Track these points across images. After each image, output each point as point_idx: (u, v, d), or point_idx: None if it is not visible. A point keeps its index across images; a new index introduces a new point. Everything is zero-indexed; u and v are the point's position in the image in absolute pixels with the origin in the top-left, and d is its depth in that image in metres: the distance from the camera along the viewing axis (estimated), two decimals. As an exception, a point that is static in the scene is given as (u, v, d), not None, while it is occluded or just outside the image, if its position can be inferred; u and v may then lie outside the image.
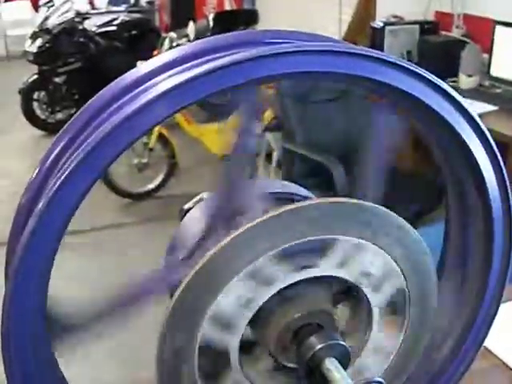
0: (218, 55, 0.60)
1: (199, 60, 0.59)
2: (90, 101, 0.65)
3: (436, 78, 0.59)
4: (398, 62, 0.58)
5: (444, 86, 0.60)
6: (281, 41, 0.62)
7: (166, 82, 0.58)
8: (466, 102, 0.60)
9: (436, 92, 0.59)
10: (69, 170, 0.54)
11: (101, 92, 0.65)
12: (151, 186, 4.29)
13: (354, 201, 0.60)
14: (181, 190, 4.23)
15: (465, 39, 3.59)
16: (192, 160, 4.70)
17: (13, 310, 0.55)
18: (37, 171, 0.64)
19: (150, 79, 0.62)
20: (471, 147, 0.63)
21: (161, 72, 0.61)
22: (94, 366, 2.58)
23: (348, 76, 0.57)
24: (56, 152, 0.63)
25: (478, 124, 0.62)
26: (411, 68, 0.58)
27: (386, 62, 0.57)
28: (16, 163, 5.06)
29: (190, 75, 0.55)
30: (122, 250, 3.61)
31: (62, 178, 0.54)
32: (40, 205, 0.55)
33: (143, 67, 0.64)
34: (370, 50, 0.57)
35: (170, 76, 0.59)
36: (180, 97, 0.55)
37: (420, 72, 0.58)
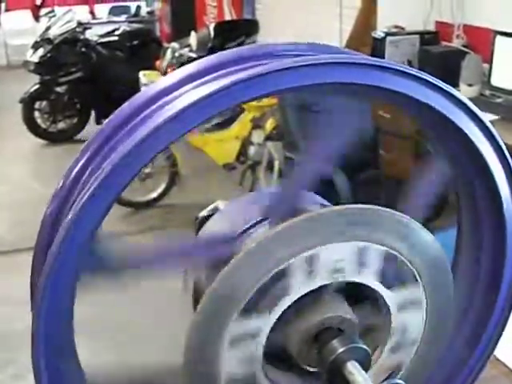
0: (239, 67, 0.62)
1: (226, 70, 0.61)
2: (110, 117, 0.67)
3: (455, 90, 0.61)
4: (420, 75, 0.59)
5: (459, 94, 0.61)
6: (299, 53, 0.64)
7: (190, 94, 0.60)
8: (482, 113, 0.62)
9: (453, 103, 0.61)
10: (92, 189, 0.56)
11: (120, 108, 0.67)
12: (153, 195, 4.31)
13: (359, 206, 0.62)
14: (183, 200, 4.24)
15: (465, 49, 3.62)
16: (194, 169, 4.72)
17: (42, 318, 0.57)
18: (60, 185, 0.66)
19: (171, 93, 0.64)
20: (484, 154, 0.64)
21: (182, 85, 0.63)
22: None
23: (371, 87, 0.59)
24: (77, 168, 0.65)
25: (492, 133, 0.64)
26: (434, 82, 0.60)
27: (406, 74, 0.59)
28: (17, 171, 5.08)
29: (216, 87, 0.57)
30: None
31: (88, 193, 0.56)
32: (67, 219, 0.57)
33: (163, 81, 0.66)
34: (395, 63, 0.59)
35: (196, 86, 0.61)
36: (208, 106, 0.57)
37: (440, 85, 0.60)
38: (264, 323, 0.59)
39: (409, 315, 0.65)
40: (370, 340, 0.66)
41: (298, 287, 0.60)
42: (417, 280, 0.64)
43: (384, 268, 0.62)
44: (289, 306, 0.60)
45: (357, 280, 0.62)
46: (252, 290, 0.58)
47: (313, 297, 0.61)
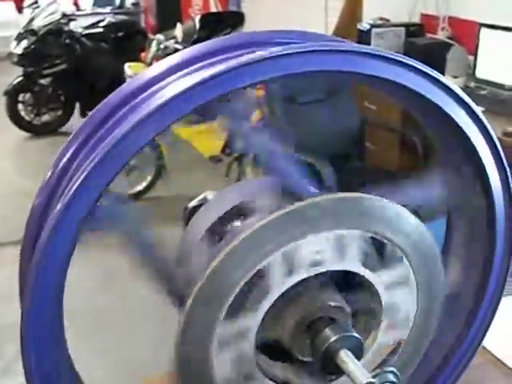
0: (226, 56, 0.62)
1: (211, 60, 0.61)
2: (97, 107, 0.66)
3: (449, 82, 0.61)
4: (413, 64, 0.59)
5: (453, 86, 0.62)
6: (289, 41, 0.64)
7: (178, 83, 0.59)
8: (474, 104, 0.62)
9: (445, 92, 0.61)
10: (80, 179, 0.56)
11: (107, 98, 0.66)
12: (139, 188, 4.29)
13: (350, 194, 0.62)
14: (169, 192, 4.23)
15: (450, 41, 3.64)
16: (180, 162, 4.70)
17: (32, 310, 0.56)
18: (48, 176, 0.65)
19: (159, 82, 0.63)
20: (474, 143, 0.64)
21: (170, 74, 0.63)
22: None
23: (365, 75, 0.59)
24: (65, 159, 0.65)
25: (481, 120, 0.64)
26: (431, 73, 0.60)
27: (401, 63, 0.59)
28: (2, 165, 5.03)
29: (203, 76, 0.56)
30: (109, 253, 3.60)
31: (77, 184, 0.56)
32: (56, 210, 0.56)
33: (150, 71, 0.65)
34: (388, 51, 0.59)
35: (185, 75, 0.60)
36: (195, 96, 0.56)
37: (434, 75, 0.60)
38: (251, 321, 0.59)
39: (399, 294, 0.65)
40: (363, 324, 0.66)
41: (281, 281, 0.60)
42: (404, 261, 0.63)
43: (368, 252, 0.62)
44: (277, 299, 0.60)
45: (340, 267, 0.62)
46: (236, 287, 0.58)
47: (303, 287, 0.61)
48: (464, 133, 0.64)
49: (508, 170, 0.67)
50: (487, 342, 1.09)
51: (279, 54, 0.57)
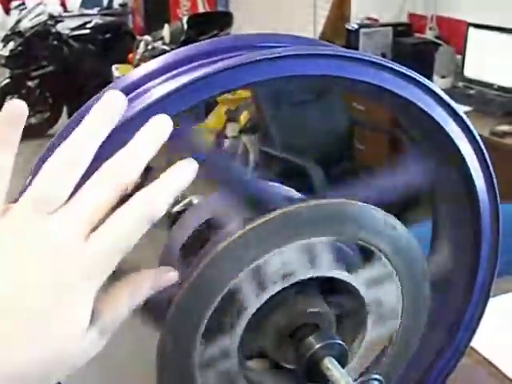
0: (210, 60, 0.61)
1: (195, 63, 0.60)
2: (78, 110, 0.64)
3: (429, 81, 0.61)
4: (399, 69, 0.59)
5: (436, 88, 0.61)
6: (277, 44, 0.63)
7: (163, 86, 0.58)
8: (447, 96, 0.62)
9: (429, 96, 0.61)
10: None
11: (89, 101, 0.64)
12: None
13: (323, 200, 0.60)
14: (157, 194, 4.22)
15: (438, 41, 3.65)
16: (167, 162, 4.68)
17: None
18: (28, 181, 0.63)
19: (144, 84, 0.62)
20: (454, 138, 0.64)
21: (155, 77, 0.62)
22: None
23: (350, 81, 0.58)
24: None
25: (464, 121, 0.64)
26: (419, 79, 0.60)
27: (384, 67, 0.58)
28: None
29: (185, 81, 0.56)
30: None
31: None
32: None
33: (137, 72, 0.64)
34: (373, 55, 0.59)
35: (172, 77, 0.59)
36: (187, 96, 0.55)
37: (419, 79, 0.60)
38: (230, 341, 0.58)
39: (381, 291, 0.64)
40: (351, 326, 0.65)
41: (255, 297, 0.58)
42: (383, 259, 0.62)
43: (342, 255, 0.61)
44: (258, 309, 0.59)
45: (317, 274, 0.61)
46: (210, 307, 0.56)
47: (286, 294, 0.60)
48: (444, 130, 0.63)
49: (491, 168, 0.66)
50: (475, 343, 1.09)
51: (264, 57, 0.57)
